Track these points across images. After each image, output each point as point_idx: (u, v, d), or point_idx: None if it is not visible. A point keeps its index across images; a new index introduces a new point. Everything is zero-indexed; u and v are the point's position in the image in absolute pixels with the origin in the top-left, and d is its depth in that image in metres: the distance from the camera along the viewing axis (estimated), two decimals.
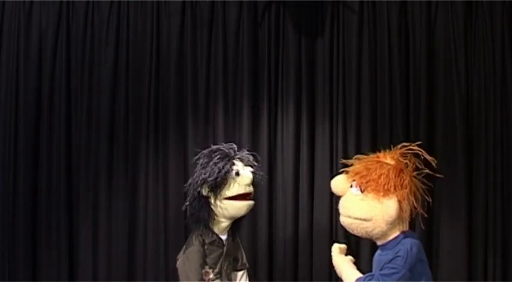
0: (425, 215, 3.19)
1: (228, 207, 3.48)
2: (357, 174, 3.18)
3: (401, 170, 3.13)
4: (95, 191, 4.44)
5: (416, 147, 3.23)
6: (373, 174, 3.11)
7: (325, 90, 4.39)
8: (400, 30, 4.34)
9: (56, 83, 4.49)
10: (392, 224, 3.10)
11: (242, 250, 3.68)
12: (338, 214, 4.22)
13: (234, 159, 3.52)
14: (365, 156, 3.29)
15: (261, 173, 3.63)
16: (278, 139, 4.40)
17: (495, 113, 4.26)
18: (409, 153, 3.22)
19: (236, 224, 3.63)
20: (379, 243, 3.21)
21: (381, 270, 3.09)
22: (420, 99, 4.30)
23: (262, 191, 4.31)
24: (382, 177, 3.08)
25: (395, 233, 3.14)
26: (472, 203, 4.24)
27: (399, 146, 3.28)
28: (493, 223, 4.21)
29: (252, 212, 4.28)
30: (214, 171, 3.41)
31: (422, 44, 4.32)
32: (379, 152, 3.30)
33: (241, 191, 3.48)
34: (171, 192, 4.36)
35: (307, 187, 4.33)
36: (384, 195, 3.07)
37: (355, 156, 3.34)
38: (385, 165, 3.13)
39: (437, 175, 3.33)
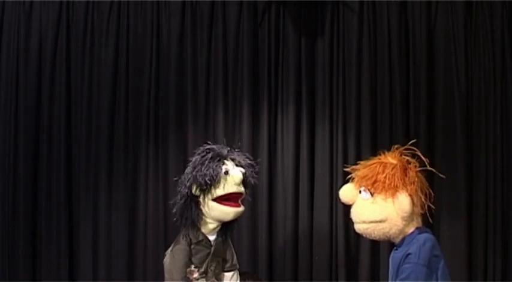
0: (433, 207, 3.19)
1: (216, 210, 3.46)
2: (363, 178, 3.18)
3: (405, 168, 3.15)
4: (95, 191, 4.44)
5: (412, 147, 3.23)
6: (379, 175, 3.13)
7: (325, 90, 4.38)
8: (400, 30, 4.34)
9: (56, 83, 4.49)
10: (407, 220, 3.11)
11: (233, 251, 3.64)
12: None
13: (225, 158, 3.50)
14: (367, 161, 3.29)
15: (255, 175, 3.59)
16: (278, 139, 4.40)
17: (495, 113, 4.26)
18: (407, 152, 3.24)
19: (227, 225, 3.59)
20: (396, 241, 3.18)
21: (398, 274, 3.08)
22: (420, 99, 4.30)
23: (263, 191, 4.32)
24: (388, 176, 3.10)
25: (411, 229, 3.14)
26: (472, 203, 4.25)
27: (395, 146, 3.28)
28: (493, 223, 4.21)
29: (252, 212, 4.31)
30: (205, 171, 3.40)
31: (422, 44, 4.32)
32: (379, 154, 3.31)
33: (231, 190, 3.44)
34: (171, 192, 4.35)
35: (307, 187, 4.33)
36: (393, 194, 3.09)
37: (358, 163, 3.32)
38: (389, 165, 3.15)
39: (440, 175, 3.33)
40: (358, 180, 3.22)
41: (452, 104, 4.30)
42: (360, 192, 3.19)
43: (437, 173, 3.30)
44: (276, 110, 4.41)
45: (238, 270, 3.67)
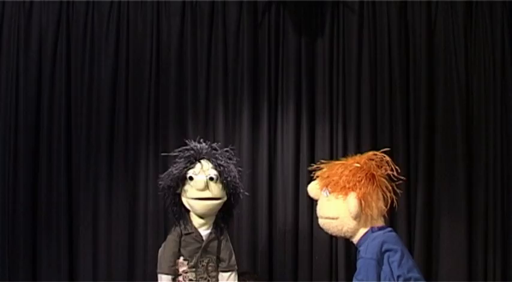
0: (386, 215, 3.37)
1: (189, 204, 3.53)
2: (322, 178, 3.42)
3: (361, 170, 3.31)
4: (95, 191, 4.44)
5: (382, 154, 3.39)
6: (336, 176, 3.34)
7: (325, 90, 4.39)
8: (400, 30, 4.34)
9: (56, 83, 4.49)
10: (358, 220, 3.28)
11: (231, 252, 3.63)
12: None
13: (199, 160, 3.52)
14: (334, 162, 3.51)
15: (235, 174, 3.58)
16: (278, 139, 4.40)
17: (495, 113, 4.26)
18: (378, 157, 3.39)
19: (222, 221, 3.61)
20: (354, 242, 3.37)
21: None
22: (420, 99, 4.30)
23: (263, 191, 4.32)
24: (342, 178, 3.30)
25: (365, 230, 3.30)
26: (472, 203, 4.25)
27: (371, 153, 3.45)
28: (493, 223, 4.21)
29: (252, 211, 4.31)
30: (172, 173, 3.50)
31: (422, 44, 4.33)
32: (348, 156, 3.53)
33: (194, 195, 3.48)
34: None
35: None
36: (345, 194, 3.28)
37: (323, 162, 3.52)
38: (348, 167, 3.33)
39: (402, 178, 3.41)
40: (319, 179, 3.45)
41: (452, 103, 4.30)
42: (322, 189, 3.42)
43: (401, 178, 3.40)
44: (276, 110, 4.41)
45: (237, 271, 3.67)
